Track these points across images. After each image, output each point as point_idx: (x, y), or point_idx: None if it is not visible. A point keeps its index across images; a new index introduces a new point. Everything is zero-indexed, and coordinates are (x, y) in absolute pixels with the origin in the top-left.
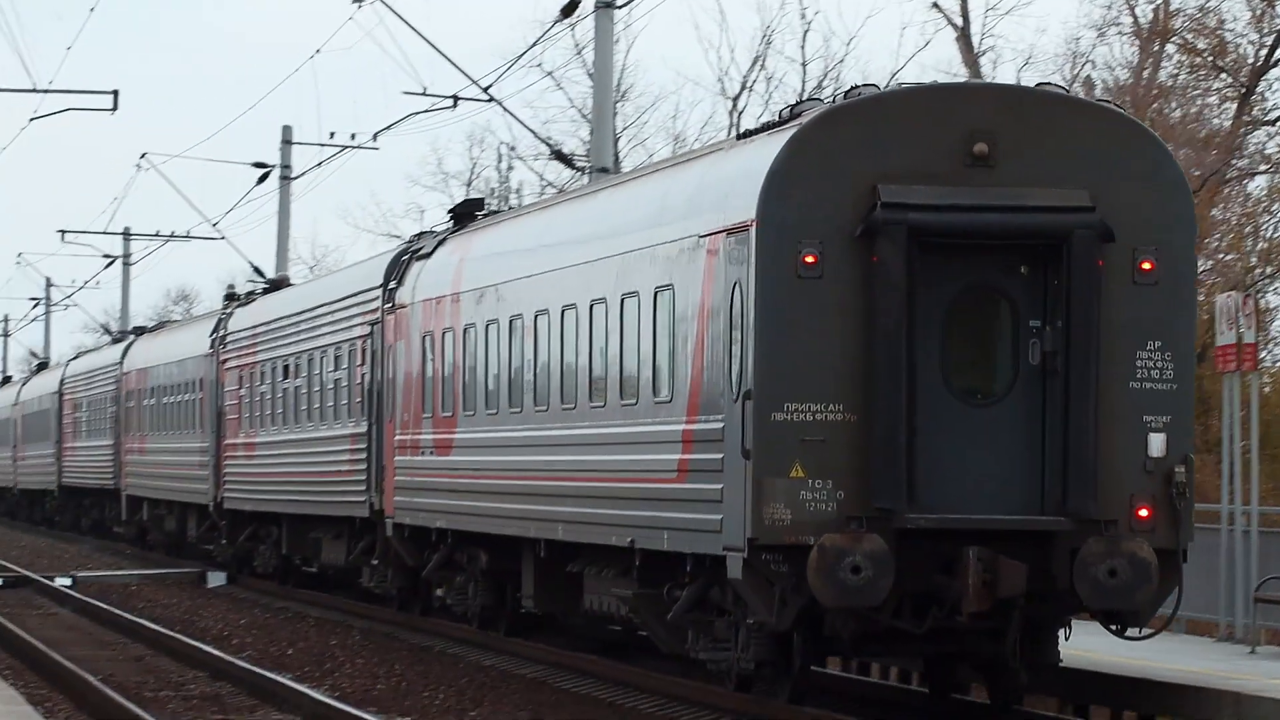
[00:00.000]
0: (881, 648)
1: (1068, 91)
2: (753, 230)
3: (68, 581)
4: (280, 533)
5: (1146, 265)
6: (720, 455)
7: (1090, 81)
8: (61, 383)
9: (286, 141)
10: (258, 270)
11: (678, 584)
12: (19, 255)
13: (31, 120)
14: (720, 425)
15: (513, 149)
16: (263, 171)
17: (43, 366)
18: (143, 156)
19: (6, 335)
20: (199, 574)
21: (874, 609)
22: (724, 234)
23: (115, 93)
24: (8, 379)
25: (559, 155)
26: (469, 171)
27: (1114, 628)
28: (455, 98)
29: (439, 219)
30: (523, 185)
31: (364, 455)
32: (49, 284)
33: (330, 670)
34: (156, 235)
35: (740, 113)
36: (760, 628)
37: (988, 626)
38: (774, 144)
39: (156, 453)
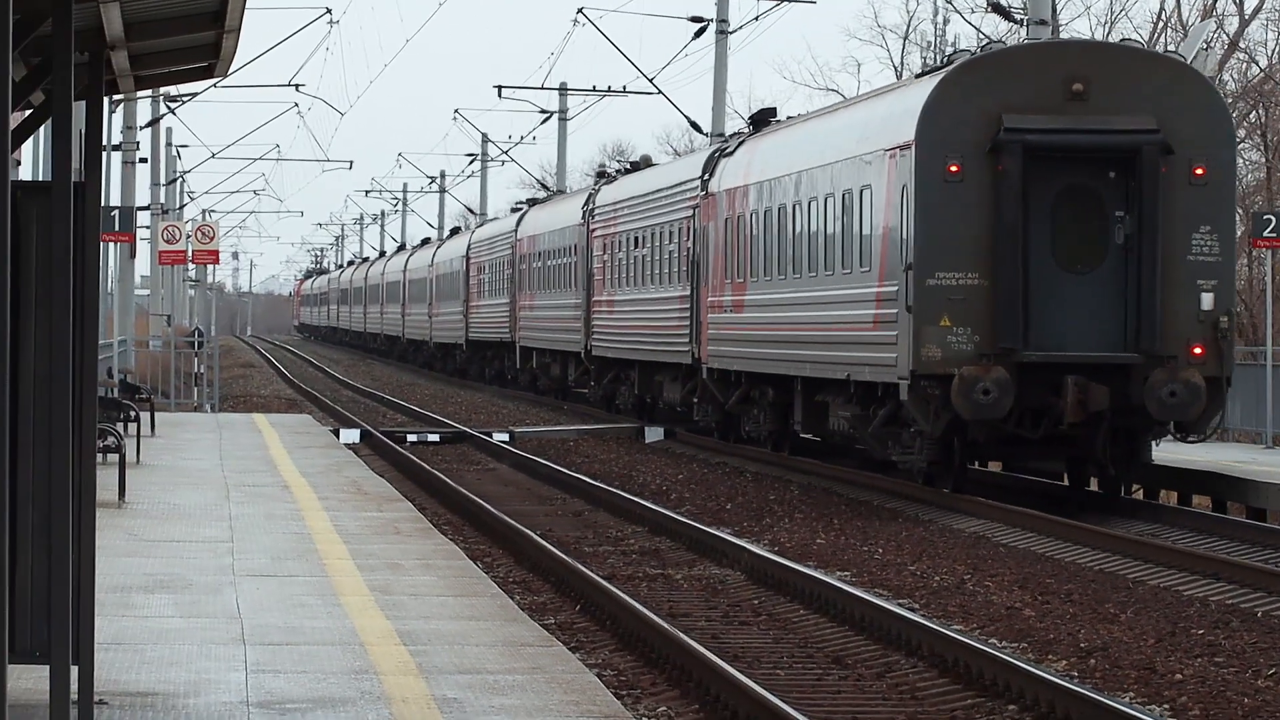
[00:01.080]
0: (1009, 450)
1: (1144, 46)
2: (913, 147)
3: (505, 437)
4: (635, 376)
5: (1199, 171)
6: (896, 310)
7: None
8: (468, 247)
9: None
10: (694, 125)
11: (879, 405)
12: (456, 111)
13: None
14: (896, 288)
15: (949, 2)
16: (699, 25)
17: (455, 231)
18: (579, 11)
19: (444, 191)
20: (636, 429)
21: (1000, 420)
22: (897, 150)
23: None
24: (425, 241)
25: (996, 8)
26: (905, 25)
27: (1178, 436)
28: None
29: (876, 72)
30: (959, 38)
31: (687, 313)
32: (485, 140)
33: (769, 525)
34: (593, 90)
35: None
36: (924, 435)
37: (1083, 434)
38: (928, 85)
39: (541, 309)
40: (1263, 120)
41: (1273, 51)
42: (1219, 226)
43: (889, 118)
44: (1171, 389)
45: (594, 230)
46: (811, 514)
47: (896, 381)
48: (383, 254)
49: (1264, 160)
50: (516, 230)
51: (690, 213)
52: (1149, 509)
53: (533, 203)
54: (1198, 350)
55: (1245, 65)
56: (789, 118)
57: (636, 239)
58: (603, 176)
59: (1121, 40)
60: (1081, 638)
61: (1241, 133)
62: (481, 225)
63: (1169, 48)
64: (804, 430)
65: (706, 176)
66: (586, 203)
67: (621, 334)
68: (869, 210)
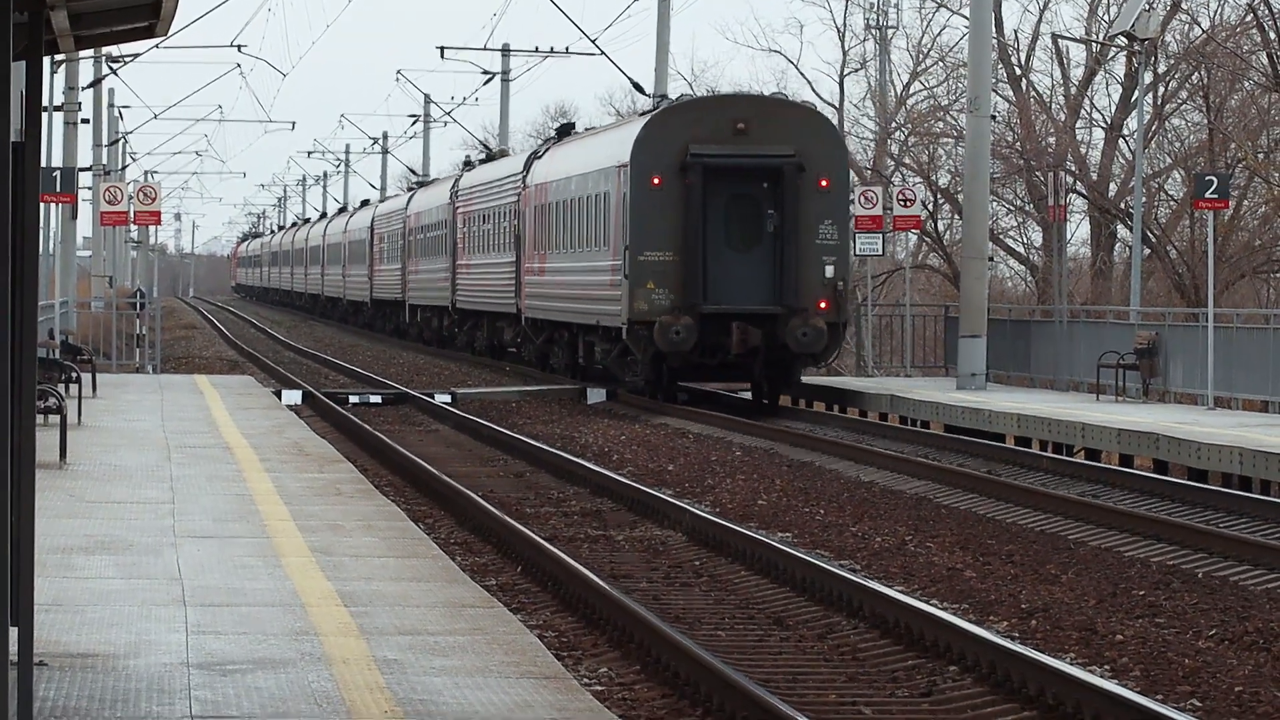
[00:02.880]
0: (696, 373)
1: (788, 99)
2: (629, 166)
3: (448, 398)
4: (484, 324)
5: (823, 183)
6: (621, 277)
7: None
8: (373, 219)
9: None
10: (637, 86)
11: (615, 342)
12: (398, 72)
13: None
14: (621, 262)
15: None
16: None
17: (365, 203)
18: None
19: (386, 152)
20: (579, 390)
21: (688, 352)
22: (620, 167)
23: None
24: (342, 209)
25: None
26: None
27: (814, 366)
28: None
29: (819, 33)
30: (902, 0)
31: (513, 274)
32: (428, 101)
33: (710, 486)
34: (535, 51)
35: None
36: (640, 363)
37: (746, 362)
38: (641, 123)
39: (423, 272)
40: (1204, 82)
41: (1214, 13)
42: (838, 220)
43: (618, 143)
44: (804, 331)
45: (458, 208)
46: (754, 475)
47: (621, 325)
48: (307, 220)
49: (1205, 122)
50: (407, 207)
51: (516, 199)
52: (1089, 470)
53: (421, 184)
54: (823, 304)
55: (1188, 27)
56: (587, 129)
57: (484, 216)
58: (468, 165)
59: (773, 94)
60: (1022, 599)
61: (1183, 95)
62: (383, 200)
63: (1112, 9)
64: (584, 362)
65: (525, 173)
66: (454, 185)
67: (475, 291)
68: (608, 207)
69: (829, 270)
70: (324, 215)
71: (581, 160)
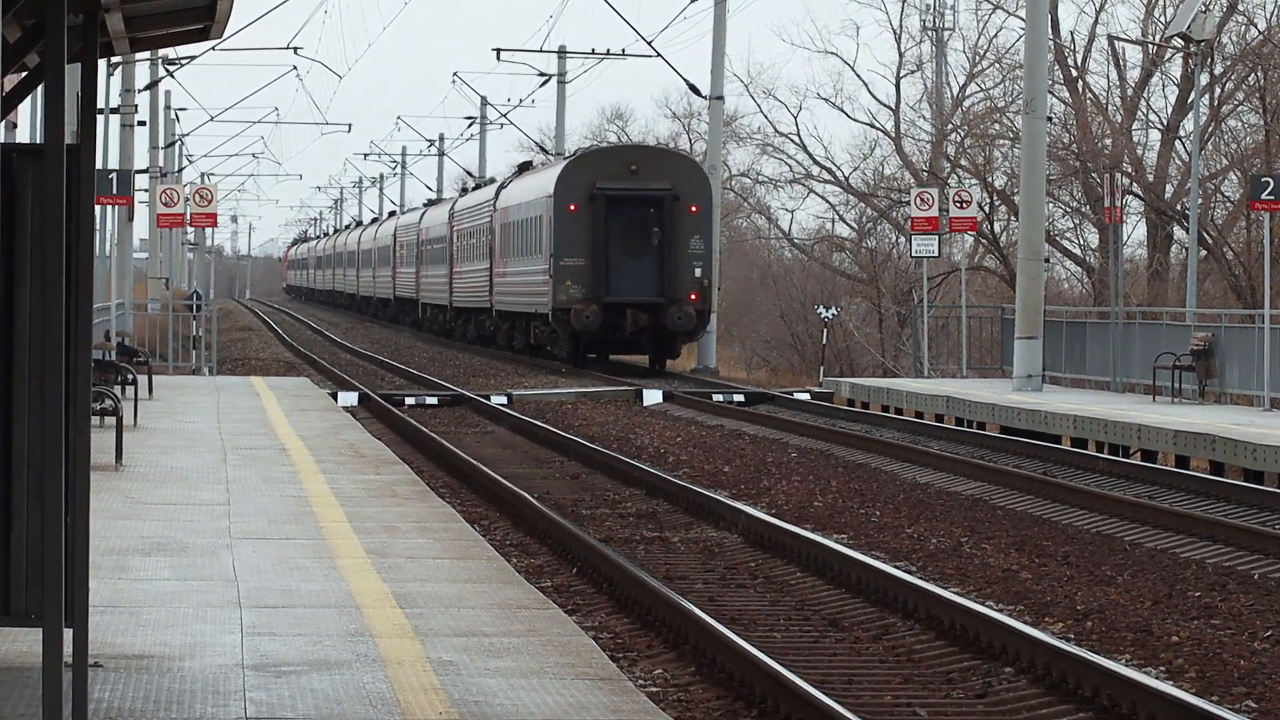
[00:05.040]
0: (603, 348)
1: (670, 147)
2: (553, 196)
3: (504, 400)
4: (473, 317)
5: (693, 209)
6: (549, 276)
7: None
8: (395, 230)
9: None
10: (693, 88)
11: (546, 325)
12: (455, 74)
13: None
14: (548, 266)
15: None
16: None
17: (392, 214)
18: None
19: (442, 154)
20: (635, 392)
21: (595, 331)
22: (548, 196)
23: None
24: (375, 219)
25: None
26: None
27: (685, 340)
28: None
29: (874, 34)
30: (957, 2)
31: (487, 276)
32: (484, 103)
33: (766, 488)
34: (592, 53)
35: None
36: (562, 339)
37: (639, 339)
38: (562, 164)
39: (431, 277)
40: (1261, 83)
41: (1271, 14)
42: (704, 236)
43: (547, 179)
44: (679, 315)
45: (454, 226)
46: (809, 476)
47: (549, 312)
48: (349, 227)
49: (1262, 123)
50: (420, 221)
51: (489, 219)
52: (1145, 471)
53: (431, 203)
54: (693, 296)
55: (1244, 28)
56: (541, 164)
57: (470, 233)
58: (463, 191)
59: (656, 144)
60: (1078, 600)
61: (1240, 96)
62: (406, 213)
63: (1168, 10)
64: (535, 341)
65: (495, 198)
66: (452, 207)
67: (466, 292)
68: (542, 226)
69: (697, 272)
70: (360, 224)
71: (527, 191)
